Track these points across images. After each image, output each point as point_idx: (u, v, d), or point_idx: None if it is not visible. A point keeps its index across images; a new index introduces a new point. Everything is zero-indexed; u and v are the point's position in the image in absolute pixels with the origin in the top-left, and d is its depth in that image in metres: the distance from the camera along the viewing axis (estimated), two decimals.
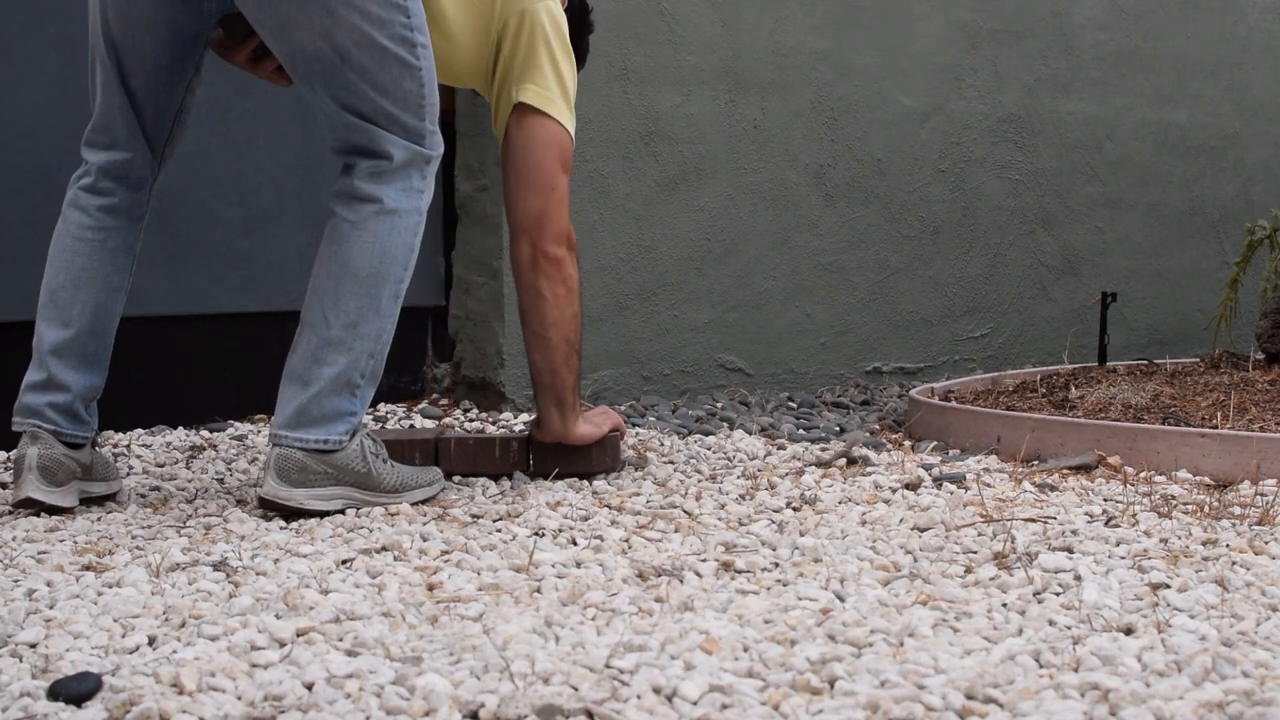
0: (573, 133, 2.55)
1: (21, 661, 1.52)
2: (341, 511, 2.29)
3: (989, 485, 2.56)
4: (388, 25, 2.24)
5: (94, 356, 2.40)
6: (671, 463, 2.83)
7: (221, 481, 2.65)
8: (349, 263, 2.28)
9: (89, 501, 2.39)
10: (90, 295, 2.39)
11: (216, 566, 1.92)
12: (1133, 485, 2.56)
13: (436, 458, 2.62)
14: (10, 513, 2.34)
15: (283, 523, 2.24)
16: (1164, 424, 2.86)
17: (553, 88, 2.50)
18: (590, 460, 2.64)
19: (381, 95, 2.28)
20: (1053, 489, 2.53)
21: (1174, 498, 2.42)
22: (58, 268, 2.40)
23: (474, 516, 2.29)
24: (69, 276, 2.39)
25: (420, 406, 3.60)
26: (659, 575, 1.88)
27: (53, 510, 2.30)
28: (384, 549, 2.04)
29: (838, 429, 3.35)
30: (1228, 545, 2.06)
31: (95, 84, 2.40)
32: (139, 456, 2.95)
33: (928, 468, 2.72)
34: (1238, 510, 2.32)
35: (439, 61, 2.47)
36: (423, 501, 2.40)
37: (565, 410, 2.58)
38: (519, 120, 2.51)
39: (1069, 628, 1.63)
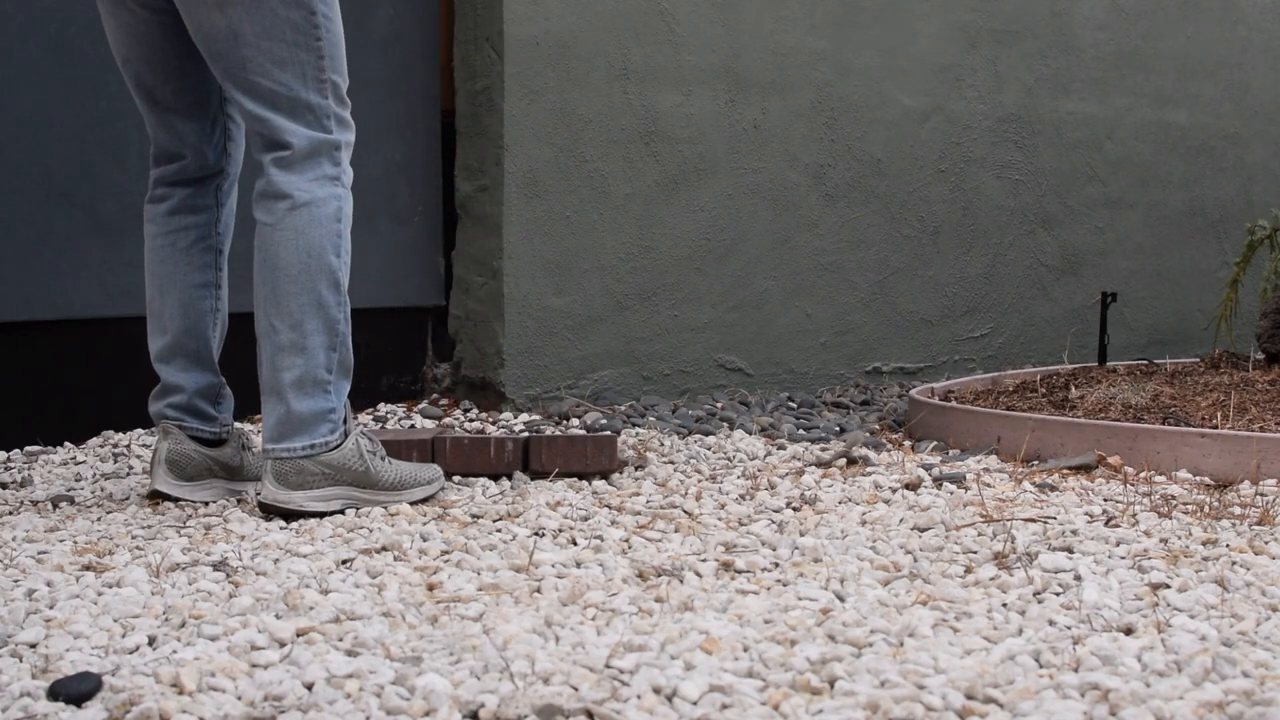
0: None
1: (21, 661, 1.52)
2: (341, 511, 2.29)
3: (989, 485, 2.56)
4: None
5: (197, 354, 2.47)
6: (671, 463, 2.83)
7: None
8: (278, 264, 2.28)
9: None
10: (174, 298, 2.45)
11: (216, 566, 1.92)
12: (1133, 485, 2.56)
13: (433, 457, 2.62)
14: (11, 512, 2.35)
15: (283, 523, 2.24)
16: (1164, 424, 2.86)
17: None
18: (586, 461, 2.64)
19: (279, 68, 2.24)
20: (1053, 489, 2.53)
21: (1174, 498, 2.42)
22: (148, 281, 2.49)
23: (474, 516, 2.28)
24: (155, 286, 2.47)
25: (420, 406, 3.59)
26: (659, 575, 1.87)
27: (185, 502, 2.39)
28: (384, 549, 2.04)
29: (838, 429, 3.35)
30: (1228, 545, 2.06)
31: (142, 113, 2.46)
32: (139, 456, 2.95)
33: (928, 468, 2.71)
34: (1238, 510, 2.32)
35: None
36: (423, 500, 2.40)
37: None
38: None
39: (1069, 628, 1.63)
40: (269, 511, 2.27)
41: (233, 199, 2.52)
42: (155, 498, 2.40)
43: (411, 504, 2.36)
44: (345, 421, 2.33)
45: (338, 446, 2.29)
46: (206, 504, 2.39)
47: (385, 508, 2.32)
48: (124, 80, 2.45)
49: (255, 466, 2.51)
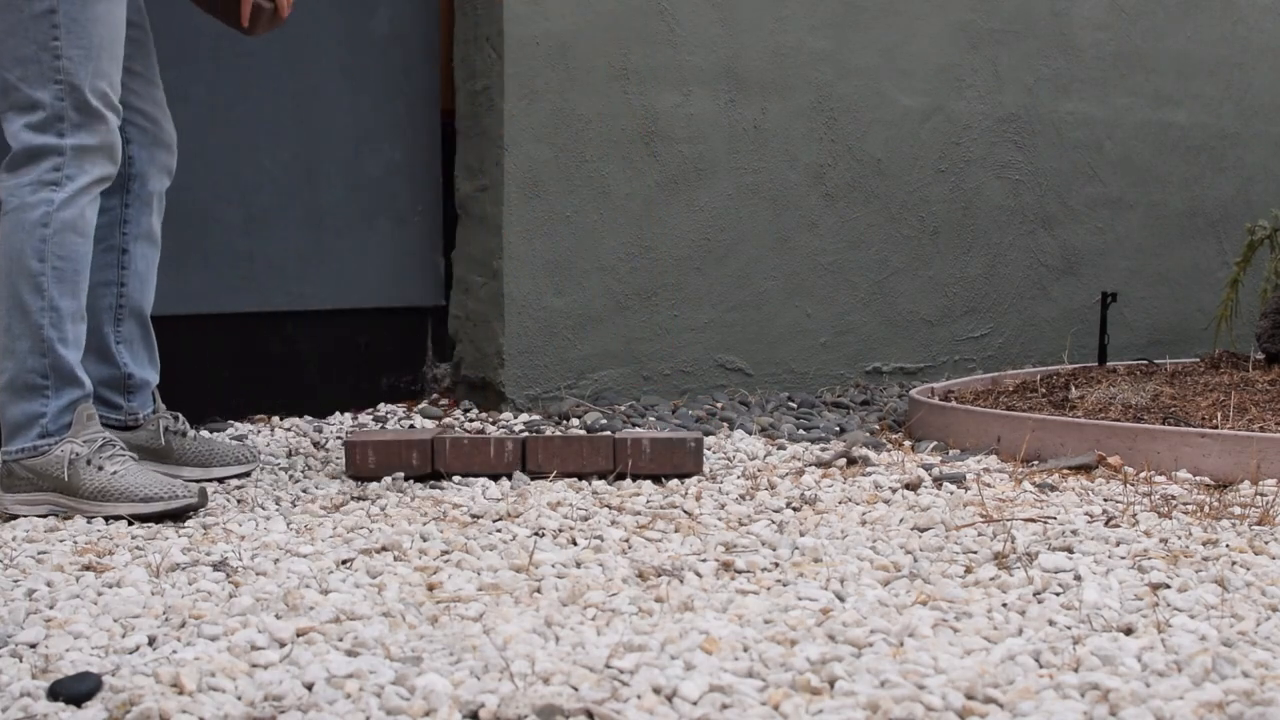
0: None
1: (21, 661, 1.52)
2: (50, 516, 2.28)
3: (989, 485, 2.56)
4: None
5: (99, 350, 2.55)
6: None
7: (221, 481, 2.65)
8: None
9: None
10: None
11: (216, 566, 1.93)
12: (1133, 485, 2.56)
13: (433, 457, 2.61)
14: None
15: (283, 523, 2.24)
16: (1164, 424, 2.86)
17: None
18: (584, 461, 2.64)
19: (19, 65, 2.21)
20: (1053, 489, 2.53)
21: (1174, 498, 2.42)
22: None
23: (474, 516, 2.29)
24: None
25: (420, 406, 3.59)
26: (659, 575, 1.88)
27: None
28: (384, 549, 2.04)
29: (838, 429, 3.35)
30: (1228, 545, 2.06)
31: None
32: None
33: (928, 468, 2.72)
34: (1238, 510, 2.32)
35: None
36: (143, 515, 2.25)
37: None
38: None
39: (1069, 628, 1.63)
40: None
41: (145, 199, 2.55)
42: None
43: (122, 517, 2.25)
44: (62, 429, 2.30)
45: (44, 453, 2.29)
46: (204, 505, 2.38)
47: (382, 508, 2.31)
48: None
49: (191, 451, 2.61)
